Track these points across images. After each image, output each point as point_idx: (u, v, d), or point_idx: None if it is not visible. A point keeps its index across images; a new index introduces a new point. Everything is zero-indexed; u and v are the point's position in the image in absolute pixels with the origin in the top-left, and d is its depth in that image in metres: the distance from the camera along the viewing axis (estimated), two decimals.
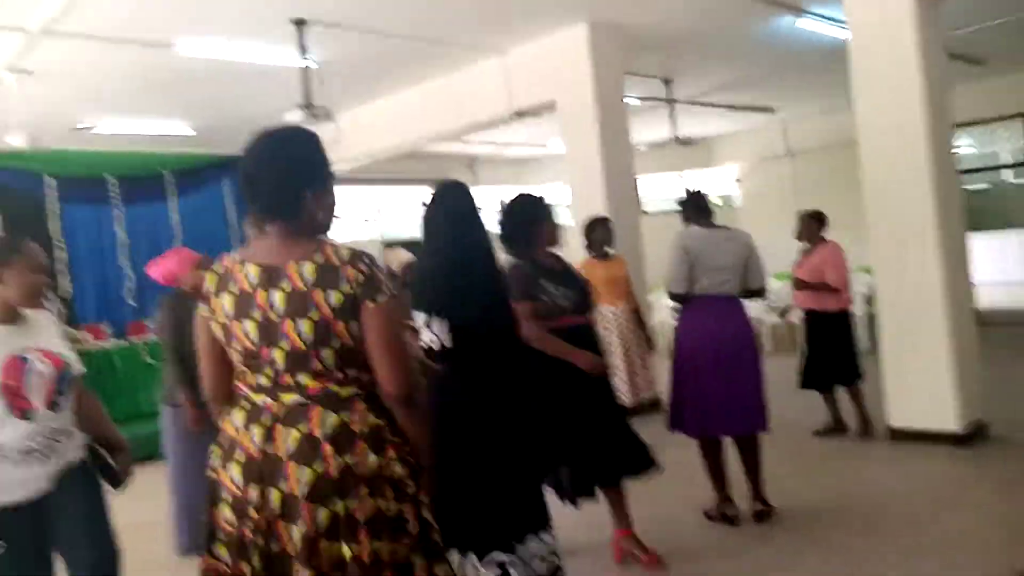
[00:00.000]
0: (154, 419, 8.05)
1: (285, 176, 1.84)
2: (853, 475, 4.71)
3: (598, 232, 5.55)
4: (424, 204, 2.83)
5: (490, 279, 2.76)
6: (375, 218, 12.61)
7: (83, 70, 6.24)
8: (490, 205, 14.22)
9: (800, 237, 5.58)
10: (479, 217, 2.78)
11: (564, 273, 3.50)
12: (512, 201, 3.48)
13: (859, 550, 3.58)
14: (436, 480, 2.00)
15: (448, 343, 2.62)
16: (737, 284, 3.94)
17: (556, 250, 3.53)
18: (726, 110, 10.23)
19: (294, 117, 5.58)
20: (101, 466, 2.61)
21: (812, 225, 5.55)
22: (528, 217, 3.46)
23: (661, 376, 5.60)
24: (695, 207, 4.12)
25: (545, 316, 3.30)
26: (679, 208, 4.21)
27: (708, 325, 3.88)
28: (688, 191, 4.23)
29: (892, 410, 5.22)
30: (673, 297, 4.00)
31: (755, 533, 3.87)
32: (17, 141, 6.42)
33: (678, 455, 5.31)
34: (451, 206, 2.77)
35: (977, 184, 15.66)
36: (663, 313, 10.49)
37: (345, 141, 6.79)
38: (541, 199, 3.50)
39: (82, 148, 8.74)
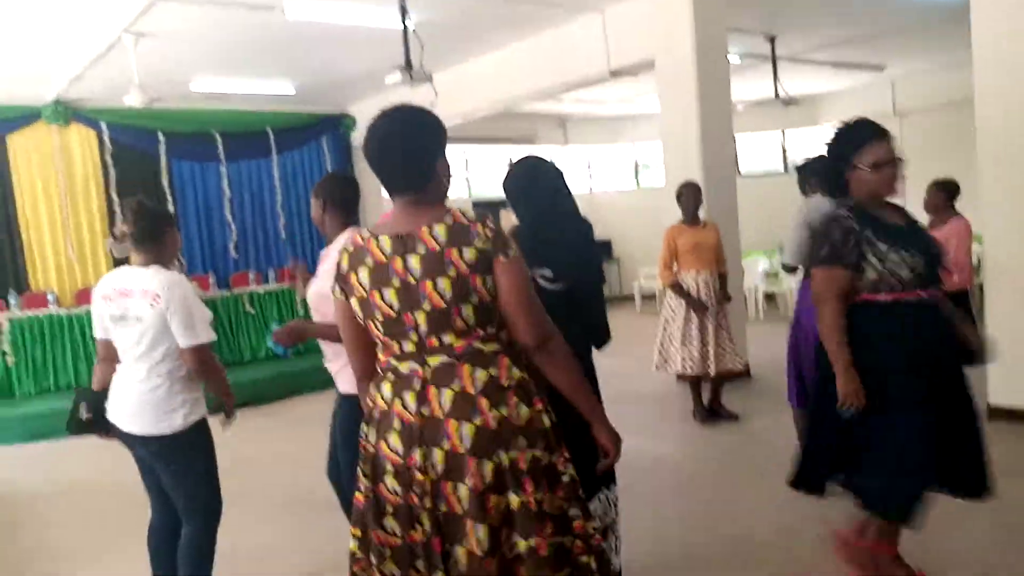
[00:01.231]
0: (254, 366, 8.52)
1: (418, 152, 1.93)
2: None
3: (684, 198, 5.47)
4: (515, 171, 2.90)
5: (585, 250, 2.87)
6: (465, 177, 12.73)
7: (195, 32, 6.48)
8: (579, 164, 14.04)
9: (927, 208, 5.32)
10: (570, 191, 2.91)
11: (908, 231, 2.71)
12: (839, 129, 2.89)
13: (953, 526, 3.51)
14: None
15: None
16: None
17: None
18: (832, 68, 9.81)
19: (394, 79, 5.66)
20: None
21: (939, 196, 5.28)
22: (853, 141, 2.77)
23: (750, 343, 5.56)
24: (818, 174, 3.92)
25: (872, 290, 2.60)
26: (798, 171, 4.10)
27: None
28: (813, 158, 4.09)
29: (994, 387, 5.02)
30: (786, 268, 3.97)
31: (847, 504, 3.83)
32: (134, 101, 6.75)
33: (764, 423, 5.30)
34: (550, 174, 2.84)
35: None
36: (755, 277, 10.34)
37: (441, 102, 6.87)
38: (864, 121, 2.85)
39: (192, 107, 9.13)
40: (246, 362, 8.91)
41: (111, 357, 2.88)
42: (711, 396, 5.61)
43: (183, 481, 2.84)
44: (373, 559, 1.94)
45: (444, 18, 6.58)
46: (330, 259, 3.02)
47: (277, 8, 5.79)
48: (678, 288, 5.47)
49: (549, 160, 2.94)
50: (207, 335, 2.79)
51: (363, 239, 1.95)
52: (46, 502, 5.04)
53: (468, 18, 6.82)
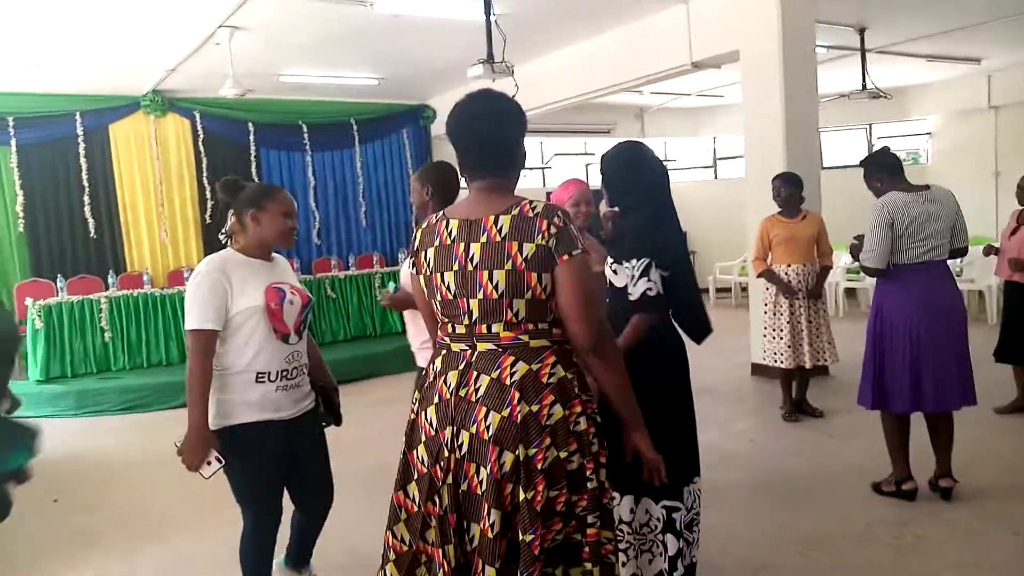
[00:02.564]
0: (335, 348, 8.77)
1: (505, 137, 1.96)
2: (994, 447, 4.43)
3: (775, 189, 5.40)
4: (622, 157, 2.84)
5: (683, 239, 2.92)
6: (541, 168, 12.77)
7: (287, 25, 6.70)
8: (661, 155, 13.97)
9: (1021, 201, 5.12)
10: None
11: None
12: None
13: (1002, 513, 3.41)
14: (645, 427, 2.07)
15: (662, 291, 2.65)
16: (947, 248, 3.68)
17: None
18: (925, 60, 9.46)
19: (476, 71, 5.74)
20: (327, 404, 2.96)
21: None
22: None
23: (839, 343, 5.45)
24: (887, 168, 3.79)
25: None
26: (863, 168, 3.92)
27: (921, 294, 3.63)
28: (875, 152, 3.98)
29: None
30: (868, 272, 3.80)
31: (925, 508, 3.76)
32: (229, 92, 7.04)
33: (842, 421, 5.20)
34: (649, 161, 2.81)
35: None
36: (836, 273, 10.08)
37: (520, 94, 6.94)
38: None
39: (281, 98, 9.44)
40: (327, 343, 9.19)
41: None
42: (798, 392, 5.53)
43: (229, 479, 2.75)
44: (390, 519, 2.02)
45: (527, 11, 6.63)
46: None
47: (366, 1, 5.94)
48: (769, 275, 5.43)
49: (646, 147, 2.89)
50: (192, 323, 2.57)
51: (436, 219, 1.99)
52: (141, 470, 5.33)
53: (551, 11, 6.86)
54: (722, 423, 5.49)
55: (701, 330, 2.91)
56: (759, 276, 5.54)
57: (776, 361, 5.44)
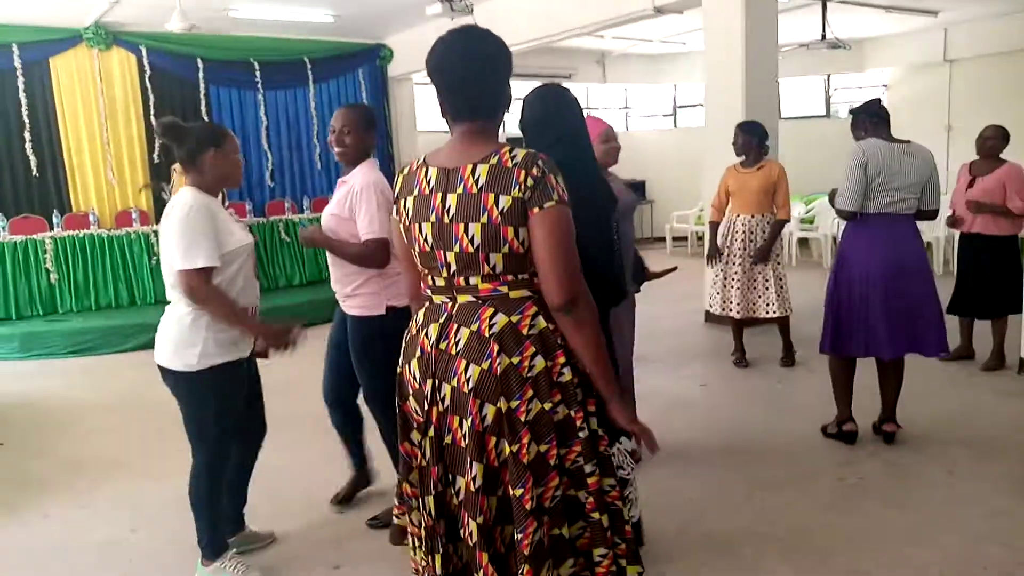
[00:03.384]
0: (289, 292, 8.69)
1: (494, 79, 1.86)
2: (976, 403, 4.60)
3: (734, 136, 5.40)
4: (538, 100, 2.65)
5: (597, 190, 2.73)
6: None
7: None
8: (617, 102, 13.73)
9: (986, 153, 5.17)
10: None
11: None
12: None
13: (975, 473, 3.56)
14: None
15: None
16: (914, 204, 3.73)
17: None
18: (883, 11, 9.48)
19: (434, 9, 5.60)
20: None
21: (999, 141, 5.13)
22: None
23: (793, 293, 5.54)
24: (873, 117, 3.83)
25: None
26: (853, 117, 3.94)
27: (884, 248, 3.70)
28: (867, 101, 3.97)
29: None
30: (841, 214, 3.85)
31: (868, 450, 3.90)
32: (175, 26, 6.76)
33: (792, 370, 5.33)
34: (566, 106, 2.65)
35: None
36: (789, 225, 10.22)
37: None
38: None
39: (231, 33, 9.11)
40: (281, 287, 9.08)
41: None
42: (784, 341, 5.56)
43: (186, 418, 2.77)
44: (402, 469, 2.03)
45: None
46: (345, 186, 3.11)
47: None
48: (712, 227, 5.51)
49: (570, 92, 2.72)
50: (202, 261, 2.55)
51: (416, 165, 1.92)
52: (91, 413, 5.25)
53: None
54: (674, 369, 5.59)
55: (613, 294, 2.66)
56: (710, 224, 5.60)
57: (724, 310, 5.51)
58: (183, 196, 2.66)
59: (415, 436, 1.98)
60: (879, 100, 3.96)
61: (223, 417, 2.76)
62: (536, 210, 1.76)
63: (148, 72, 8.76)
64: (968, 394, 4.77)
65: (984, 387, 4.88)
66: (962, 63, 11.05)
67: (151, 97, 8.81)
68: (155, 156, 8.80)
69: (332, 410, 3.47)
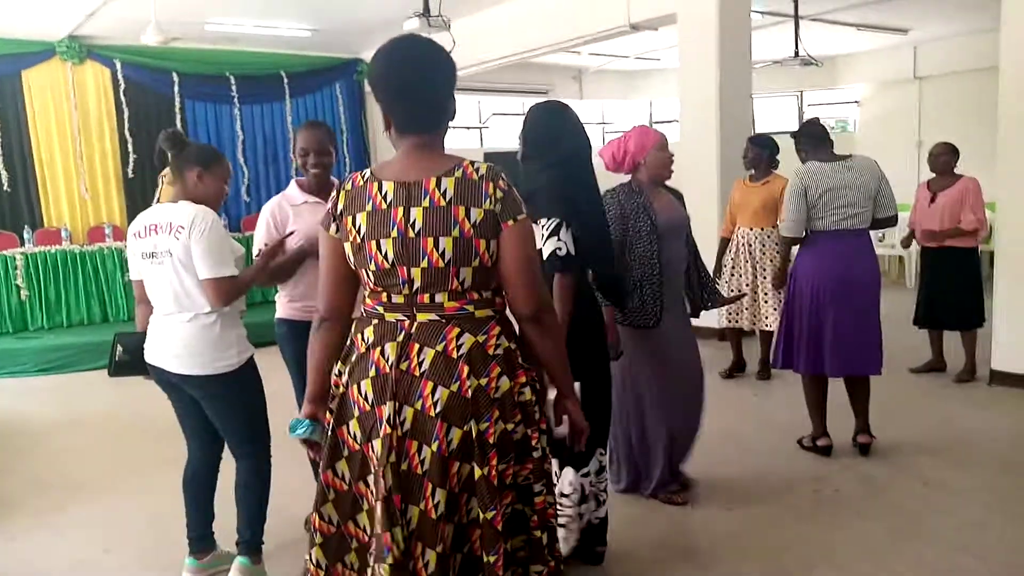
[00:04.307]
0: (265, 310, 8.61)
1: (439, 88, 1.82)
2: (949, 414, 4.65)
3: (745, 151, 5.49)
4: (542, 117, 2.82)
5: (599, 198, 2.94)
6: (479, 127, 12.64)
7: None
8: (594, 118, 13.79)
9: (939, 169, 5.26)
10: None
11: None
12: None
13: (949, 485, 3.59)
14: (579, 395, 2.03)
15: (573, 252, 2.62)
16: (867, 217, 3.76)
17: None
18: (854, 29, 9.64)
19: (411, 24, 5.61)
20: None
21: (952, 158, 5.22)
22: None
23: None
24: (812, 138, 3.88)
25: None
26: (794, 140, 3.99)
27: (832, 264, 3.74)
28: (804, 122, 4.05)
29: (998, 353, 5.07)
30: (786, 240, 3.94)
31: (844, 462, 3.92)
32: (150, 39, 6.71)
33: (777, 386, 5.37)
34: (573, 123, 2.80)
35: None
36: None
37: (457, 50, 6.82)
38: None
39: (207, 47, 9.07)
40: (257, 303, 8.99)
41: (145, 298, 2.86)
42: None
43: (238, 417, 2.86)
44: (318, 499, 1.89)
45: None
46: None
47: None
48: (721, 243, 5.58)
49: (572, 109, 2.86)
50: (231, 269, 2.72)
51: (363, 179, 1.82)
52: (61, 432, 5.16)
53: None
54: None
55: (619, 297, 3.03)
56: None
57: (732, 321, 5.51)
58: (196, 211, 2.72)
59: (341, 466, 1.86)
60: (817, 120, 4.03)
61: (264, 406, 2.94)
62: (511, 223, 1.77)
63: (123, 86, 8.68)
64: (941, 406, 4.82)
65: (956, 399, 4.94)
66: (931, 80, 11.25)
67: (125, 111, 8.73)
68: (129, 171, 8.71)
69: None
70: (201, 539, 3.02)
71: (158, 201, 3.00)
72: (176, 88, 9.06)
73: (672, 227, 3.35)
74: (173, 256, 2.71)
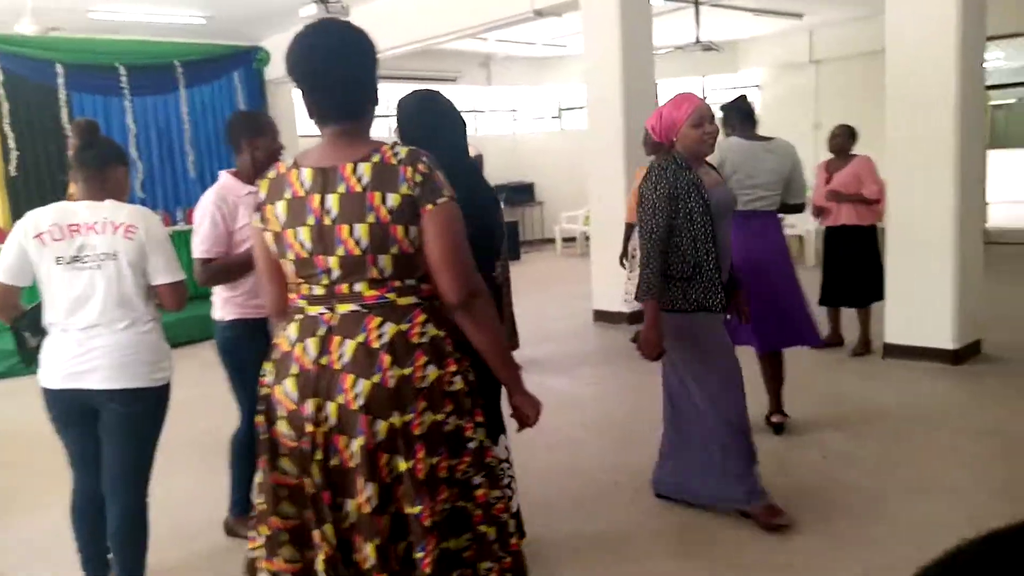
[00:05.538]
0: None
1: (360, 76, 1.77)
2: (846, 388, 4.83)
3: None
4: (418, 106, 2.66)
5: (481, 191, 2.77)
6: (385, 116, 12.42)
7: None
8: (503, 105, 13.77)
9: (837, 149, 5.44)
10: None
11: None
12: None
13: (845, 456, 3.72)
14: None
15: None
16: (776, 201, 3.82)
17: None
18: (752, 14, 9.89)
19: (308, 11, 5.44)
20: None
21: (850, 138, 5.42)
22: None
23: None
24: (740, 114, 3.93)
25: None
26: (723, 113, 4.02)
27: (744, 245, 3.71)
28: (735, 97, 4.09)
29: (890, 326, 5.28)
30: None
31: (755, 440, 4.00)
32: (27, 28, 6.30)
33: None
34: (446, 110, 2.66)
35: (1006, 99, 15.28)
36: None
37: None
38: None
39: (93, 36, 8.60)
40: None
41: (12, 305, 2.59)
42: None
43: (150, 439, 2.62)
44: (268, 501, 1.83)
45: None
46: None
47: None
48: (626, 228, 5.50)
49: (442, 95, 2.73)
50: (183, 272, 2.62)
51: (285, 168, 1.79)
52: None
53: None
54: (565, 369, 5.62)
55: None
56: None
57: (628, 303, 5.55)
58: (143, 211, 2.61)
59: (284, 463, 1.82)
60: (745, 97, 4.09)
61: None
62: (429, 207, 1.71)
63: (1, 77, 8.15)
64: (838, 380, 5.00)
65: (852, 372, 5.13)
66: (827, 63, 11.67)
67: (5, 105, 8.19)
68: (11, 168, 8.19)
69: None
70: (101, 571, 2.78)
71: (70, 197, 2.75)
72: (61, 80, 8.55)
73: (725, 206, 3.09)
74: (119, 258, 2.48)
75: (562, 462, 3.85)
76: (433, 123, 2.61)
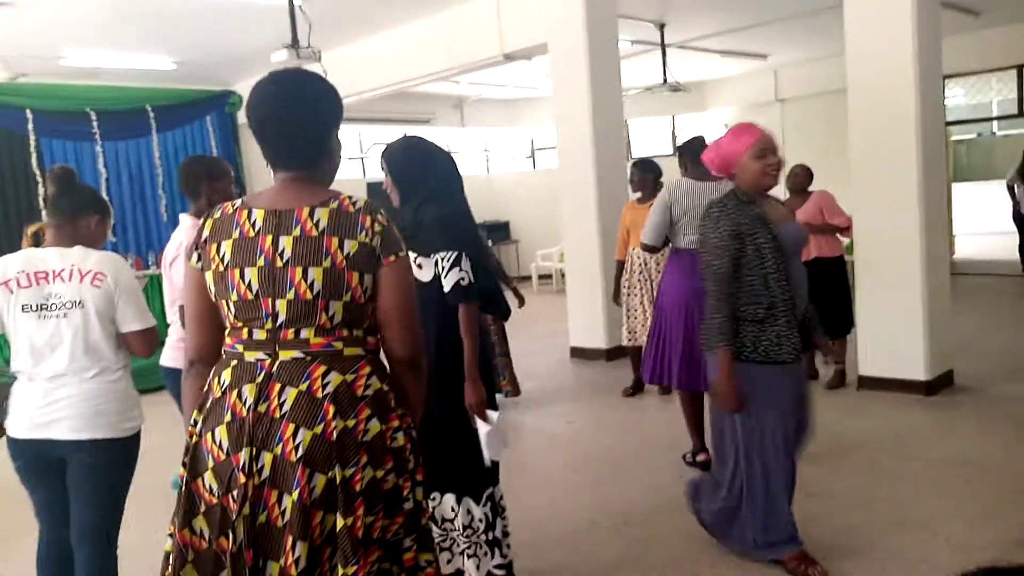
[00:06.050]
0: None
1: (314, 124, 1.75)
2: (823, 421, 4.81)
3: (630, 175, 5.57)
4: (398, 154, 2.79)
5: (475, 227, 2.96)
6: (360, 158, 12.48)
7: (59, 3, 6.07)
8: (476, 146, 13.89)
9: (795, 187, 5.53)
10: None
11: None
12: None
13: (824, 492, 3.72)
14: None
15: (473, 280, 2.64)
16: None
17: None
18: (719, 56, 10.12)
19: (279, 57, 5.46)
20: None
21: (807, 176, 5.54)
22: None
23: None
24: (692, 155, 3.96)
25: None
26: (679, 154, 4.13)
27: (690, 281, 3.78)
28: (690, 138, 4.17)
29: (863, 359, 5.33)
30: (644, 247, 4.04)
31: None
32: None
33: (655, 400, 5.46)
34: (431, 152, 2.80)
35: (966, 135, 15.70)
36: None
37: (332, 81, 6.71)
38: None
39: (64, 82, 8.60)
40: None
41: None
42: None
43: (117, 490, 2.57)
44: (175, 562, 1.70)
45: None
46: None
47: None
48: (617, 266, 5.52)
49: (427, 140, 2.89)
50: (153, 318, 2.59)
51: (233, 208, 1.74)
52: None
53: None
54: (542, 406, 5.60)
55: (502, 312, 3.05)
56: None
57: (630, 341, 5.53)
58: (113, 258, 2.58)
59: (199, 523, 1.69)
60: (701, 138, 4.16)
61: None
62: (392, 258, 1.71)
63: None
64: (816, 414, 4.99)
65: (828, 406, 5.13)
66: (792, 102, 11.94)
67: None
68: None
69: None
70: None
71: (38, 244, 2.71)
72: (30, 126, 8.52)
73: (795, 243, 2.91)
74: (87, 306, 2.45)
75: (540, 500, 3.81)
76: (422, 161, 2.75)
